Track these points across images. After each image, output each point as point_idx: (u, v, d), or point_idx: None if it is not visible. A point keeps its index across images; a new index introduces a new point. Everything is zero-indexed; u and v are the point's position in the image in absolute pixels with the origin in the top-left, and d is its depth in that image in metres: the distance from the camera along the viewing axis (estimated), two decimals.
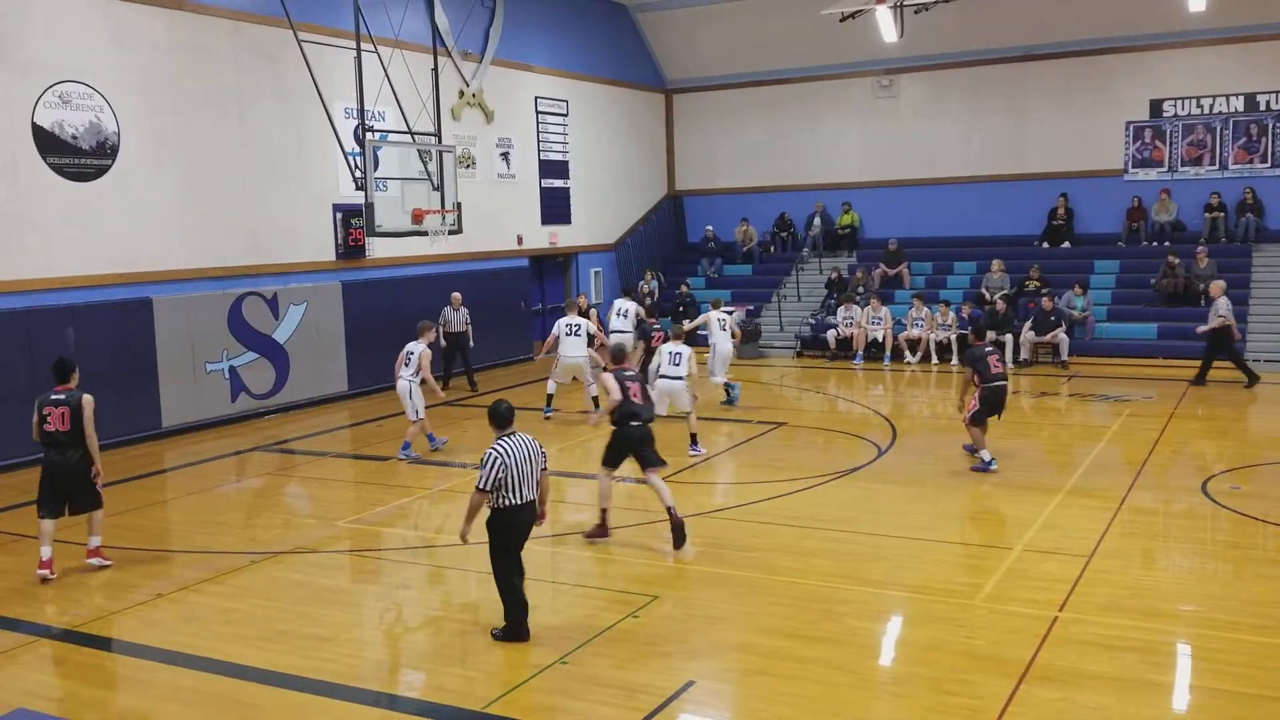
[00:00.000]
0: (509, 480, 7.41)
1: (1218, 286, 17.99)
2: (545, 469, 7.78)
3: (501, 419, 7.69)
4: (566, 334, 15.61)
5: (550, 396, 15.90)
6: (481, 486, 7.41)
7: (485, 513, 7.62)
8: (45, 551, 9.27)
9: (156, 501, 12.21)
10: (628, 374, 9.98)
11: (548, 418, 15.68)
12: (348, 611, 8.52)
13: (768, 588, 8.56)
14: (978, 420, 12.15)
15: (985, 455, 12.10)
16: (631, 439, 9.76)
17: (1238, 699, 6.50)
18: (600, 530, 9.86)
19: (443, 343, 18.48)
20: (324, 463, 13.85)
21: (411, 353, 13.38)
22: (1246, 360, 18.10)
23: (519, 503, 7.50)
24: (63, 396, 9.29)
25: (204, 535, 10.62)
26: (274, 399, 16.91)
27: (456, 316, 18.50)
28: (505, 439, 7.54)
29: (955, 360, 19.77)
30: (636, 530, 10.36)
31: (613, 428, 9.86)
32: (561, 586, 9.01)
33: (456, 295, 18.64)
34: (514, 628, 7.59)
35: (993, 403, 12.20)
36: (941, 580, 8.77)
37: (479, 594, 8.50)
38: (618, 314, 17.61)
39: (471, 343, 18.70)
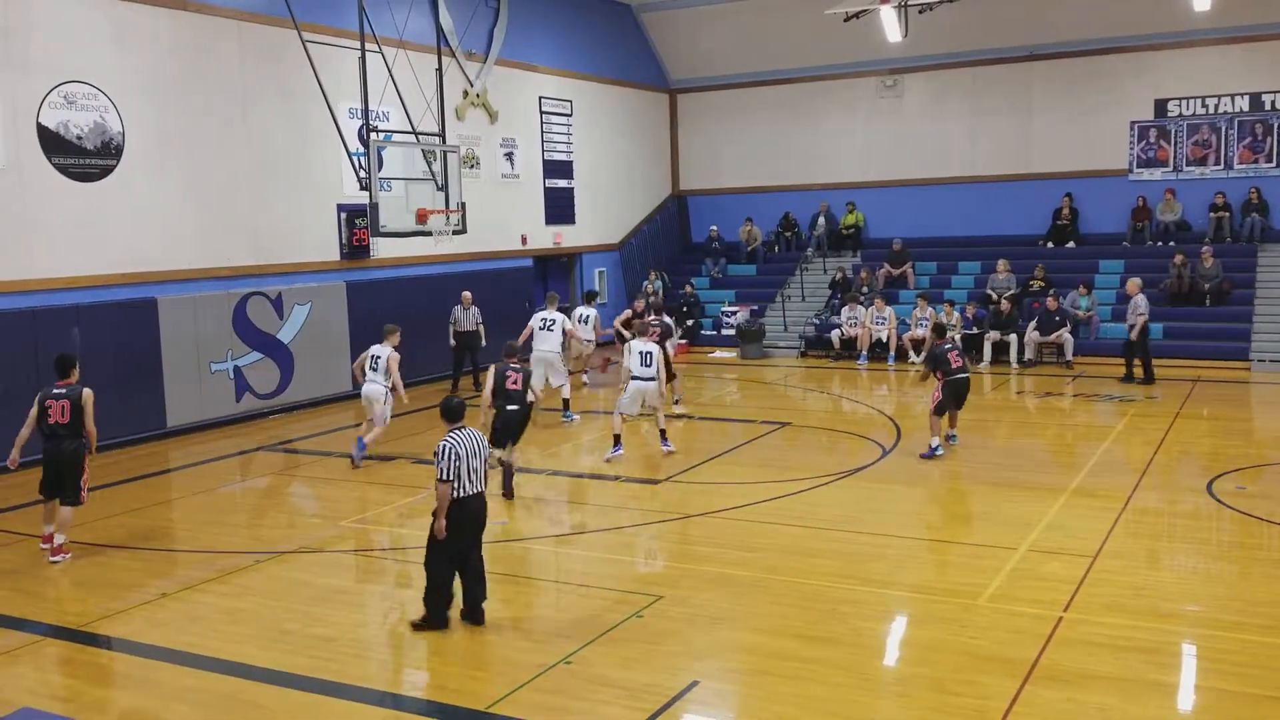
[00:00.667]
0: (461, 471, 7.65)
1: (1134, 284, 18.22)
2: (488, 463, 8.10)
3: (453, 413, 8.02)
4: (540, 327, 15.63)
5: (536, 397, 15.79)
6: (443, 477, 7.63)
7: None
8: (49, 529, 9.52)
9: (161, 501, 12.22)
10: (511, 366, 11.35)
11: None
12: (352, 611, 8.52)
13: (771, 588, 8.56)
14: (940, 411, 12.87)
15: (934, 442, 12.76)
16: (508, 421, 11.21)
17: (1242, 699, 6.49)
18: (507, 478, 11.16)
19: (452, 342, 18.47)
20: (328, 462, 13.85)
21: (378, 356, 13.10)
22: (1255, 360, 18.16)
23: (471, 493, 7.74)
24: (64, 391, 9.59)
25: (209, 535, 10.64)
26: (278, 399, 16.93)
27: (466, 316, 18.44)
28: (456, 432, 7.79)
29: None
30: (639, 530, 10.37)
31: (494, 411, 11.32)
32: (565, 586, 9.02)
33: (467, 294, 18.58)
34: (434, 616, 7.76)
35: (956, 395, 12.97)
36: (945, 580, 8.78)
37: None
38: (579, 320, 17.67)
39: (484, 342, 18.64)
